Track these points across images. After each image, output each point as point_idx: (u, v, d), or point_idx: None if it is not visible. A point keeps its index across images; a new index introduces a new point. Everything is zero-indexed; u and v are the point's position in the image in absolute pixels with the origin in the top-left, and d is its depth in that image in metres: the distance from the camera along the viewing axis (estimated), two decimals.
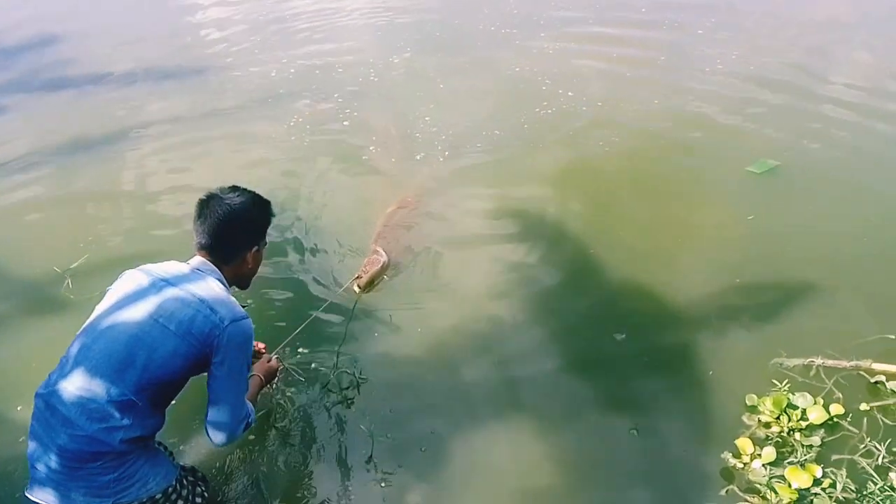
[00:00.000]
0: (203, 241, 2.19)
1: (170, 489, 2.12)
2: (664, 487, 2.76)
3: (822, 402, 2.97)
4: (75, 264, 4.02)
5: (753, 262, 3.91)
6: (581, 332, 3.52)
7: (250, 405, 2.28)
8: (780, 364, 3.20)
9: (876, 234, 4.07)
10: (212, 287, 2.13)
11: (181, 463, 2.44)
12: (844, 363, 3.16)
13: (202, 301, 2.05)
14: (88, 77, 6.86)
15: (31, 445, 2.03)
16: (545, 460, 2.88)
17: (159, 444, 2.32)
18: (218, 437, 2.14)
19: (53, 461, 1.96)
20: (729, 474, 2.76)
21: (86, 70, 7.04)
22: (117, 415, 1.95)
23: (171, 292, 2.07)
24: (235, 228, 2.18)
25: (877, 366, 3.12)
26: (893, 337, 3.29)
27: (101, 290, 3.70)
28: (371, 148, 5.26)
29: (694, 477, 2.78)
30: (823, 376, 3.13)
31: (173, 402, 2.18)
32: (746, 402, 3.01)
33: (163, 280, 2.12)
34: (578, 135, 5.35)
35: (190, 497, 2.23)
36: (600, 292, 3.76)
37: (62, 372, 2.04)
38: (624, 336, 3.41)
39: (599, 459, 2.89)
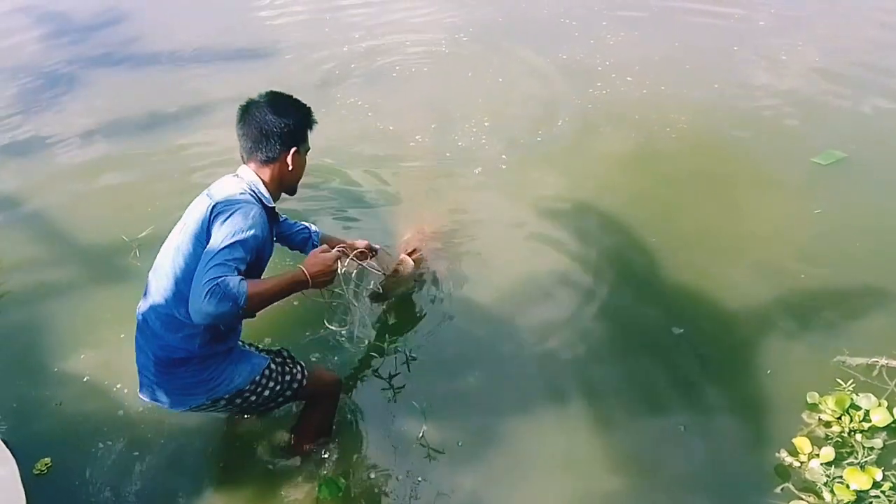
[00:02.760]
0: (243, 144, 2.31)
1: (257, 378, 2.38)
2: (716, 484, 2.74)
3: (885, 403, 2.91)
4: (143, 234, 4.14)
5: (819, 256, 3.82)
6: (637, 325, 3.48)
7: (233, 279, 1.96)
8: (843, 362, 3.14)
9: None
10: (231, 186, 2.25)
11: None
12: None
13: (209, 196, 2.23)
14: (158, 54, 6.95)
15: (138, 355, 2.35)
16: (595, 454, 2.88)
17: (249, 344, 2.58)
18: (190, 305, 1.98)
19: (151, 368, 2.28)
20: (785, 472, 2.73)
21: (155, 48, 7.13)
22: (189, 323, 2.11)
23: (201, 200, 2.26)
24: (272, 128, 2.24)
25: None
26: None
27: None
28: (417, 137, 5.20)
29: (748, 474, 2.76)
30: (886, 377, 3.06)
31: None
32: (808, 399, 2.96)
33: (207, 193, 2.28)
34: (643, 119, 5.25)
35: (280, 377, 2.47)
36: (659, 284, 3.70)
37: (146, 291, 2.32)
38: (682, 330, 3.37)
39: (651, 454, 2.88)
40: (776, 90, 5.58)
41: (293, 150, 2.29)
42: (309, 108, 2.37)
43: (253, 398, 2.42)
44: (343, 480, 2.77)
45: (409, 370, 3.27)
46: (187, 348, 2.23)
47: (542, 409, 3.09)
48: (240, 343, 2.49)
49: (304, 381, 2.57)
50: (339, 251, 2.38)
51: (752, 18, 6.95)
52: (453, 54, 6.58)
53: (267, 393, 2.46)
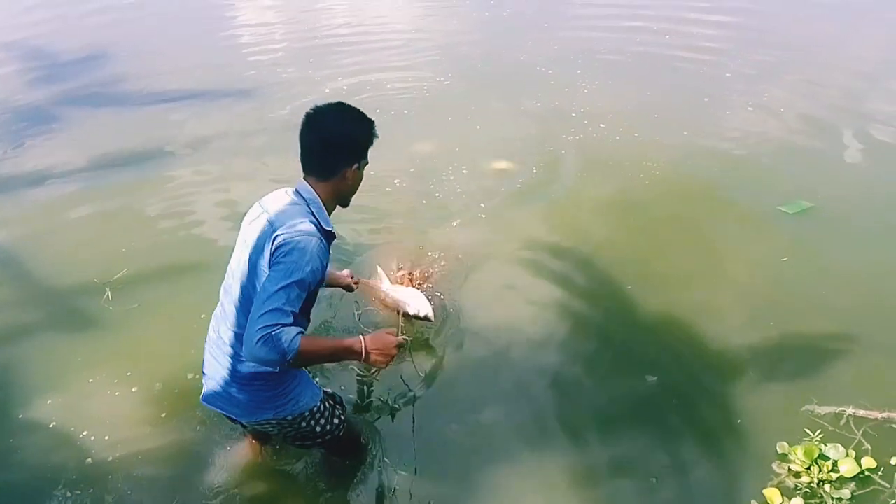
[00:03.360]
0: (304, 154, 2.25)
1: (315, 409, 2.42)
2: None
3: (854, 454, 2.96)
4: (116, 276, 4.11)
5: (787, 305, 3.90)
6: (613, 372, 3.51)
7: (288, 333, 1.95)
8: (811, 412, 3.19)
9: None
10: (291, 211, 2.18)
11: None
12: (876, 414, 3.15)
13: (270, 221, 2.16)
14: (134, 93, 7.00)
15: (207, 364, 2.40)
16: (560, 498, 2.89)
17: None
18: (244, 343, 1.99)
19: (228, 379, 2.30)
20: None
21: (132, 86, 7.18)
22: None
23: (258, 220, 2.21)
24: (333, 145, 2.19)
25: None
26: None
27: (139, 302, 3.93)
28: (396, 181, 5.25)
29: None
30: (853, 427, 3.11)
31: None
32: (778, 449, 3.00)
33: (263, 209, 2.24)
34: (616, 166, 5.37)
35: (329, 417, 2.52)
36: (635, 332, 3.76)
37: (221, 309, 2.35)
38: (655, 378, 3.41)
39: (617, 501, 2.90)
40: (744, 138, 5.78)
41: (354, 166, 2.24)
42: (372, 121, 2.28)
43: (305, 426, 2.45)
44: None
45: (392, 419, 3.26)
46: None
47: (515, 462, 3.06)
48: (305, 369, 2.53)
49: (341, 433, 2.63)
50: (402, 341, 2.34)
51: (723, 66, 7.22)
52: (434, 98, 6.72)
53: (318, 429, 2.49)
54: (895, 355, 3.54)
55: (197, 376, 3.27)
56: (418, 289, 3.76)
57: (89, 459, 3.07)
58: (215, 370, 2.35)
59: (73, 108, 6.77)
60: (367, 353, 2.18)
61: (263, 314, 1.94)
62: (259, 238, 2.15)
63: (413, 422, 3.20)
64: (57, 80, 7.50)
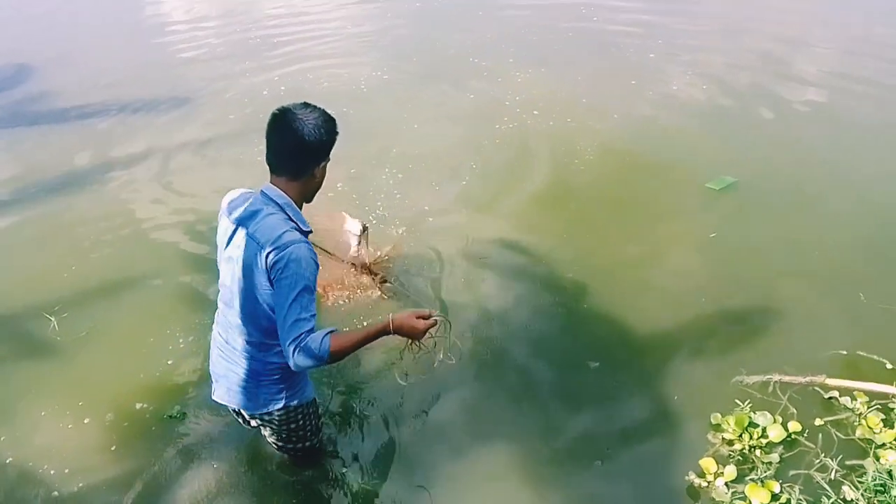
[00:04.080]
0: (274, 155, 2.27)
1: (314, 400, 2.70)
2: None
3: (780, 419, 3.19)
4: (59, 305, 4.07)
5: (717, 280, 4.14)
6: (556, 361, 3.67)
7: (315, 339, 2.14)
8: (741, 382, 3.42)
9: (832, 251, 4.33)
10: (270, 222, 2.23)
11: None
12: (800, 379, 3.39)
13: (252, 238, 2.23)
14: (61, 107, 6.81)
15: (217, 366, 2.54)
16: (513, 492, 3.03)
17: None
18: (287, 358, 2.18)
19: (242, 378, 2.46)
20: (695, 493, 2.95)
21: (58, 100, 6.99)
22: (273, 342, 2.33)
23: (239, 236, 2.28)
24: (305, 146, 2.21)
25: (830, 381, 3.35)
26: (845, 352, 3.54)
27: (86, 329, 3.91)
28: (339, 185, 5.25)
29: (660, 499, 2.98)
30: (779, 393, 3.35)
31: None
32: (712, 420, 3.22)
33: (237, 222, 2.30)
34: (551, 154, 5.52)
35: (316, 421, 2.81)
36: (577, 319, 3.93)
37: (221, 316, 2.49)
38: (598, 364, 3.59)
39: (570, 490, 3.04)
40: (671, 118, 6.02)
41: (323, 163, 2.30)
42: (334, 119, 2.31)
43: (302, 422, 2.68)
44: None
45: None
46: (276, 362, 2.43)
47: (460, 452, 3.21)
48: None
49: (318, 445, 2.95)
50: (436, 320, 2.43)
51: (648, 47, 7.43)
52: (371, 93, 6.74)
53: (304, 432, 2.74)
54: (814, 322, 3.81)
55: (145, 405, 3.44)
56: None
57: (55, 493, 3.09)
58: (229, 371, 2.51)
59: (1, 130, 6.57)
60: (395, 331, 2.34)
61: (287, 329, 2.14)
62: (247, 256, 2.24)
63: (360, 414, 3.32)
64: None
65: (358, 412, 3.42)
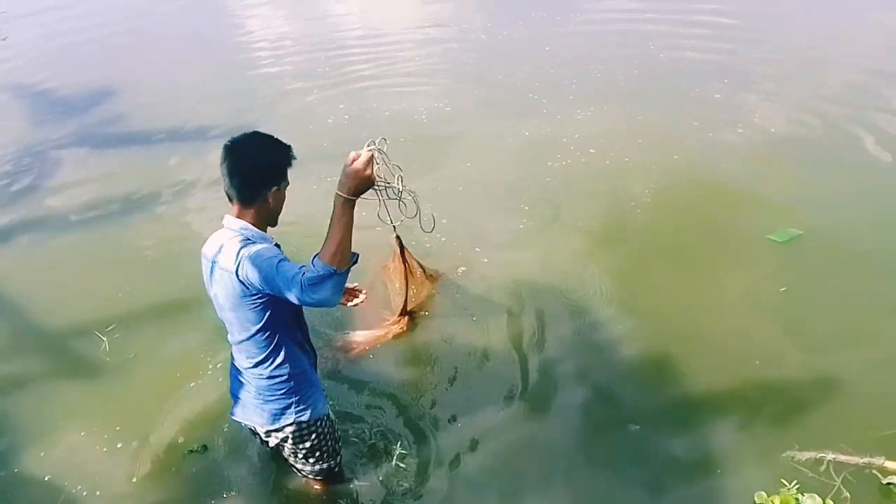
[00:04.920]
0: (226, 183, 2.38)
1: (326, 418, 2.75)
2: None
3: (831, 503, 2.99)
4: (111, 326, 4.24)
5: (774, 341, 3.92)
6: (595, 420, 3.54)
7: (308, 271, 2.16)
8: (792, 457, 3.21)
9: None
10: (228, 247, 2.34)
11: None
12: (856, 459, 3.16)
13: (224, 270, 2.35)
14: (136, 132, 7.08)
15: (233, 386, 2.70)
16: None
17: None
18: (304, 299, 2.20)
19: (251, 396, 2.61)
20: None
21: (138, 126, 7.24)
22: (272, 356, 2.50)
23: (214, 271, 2.41)
24: (253, 172, 2.34)
25: (889, 464, 3.11)
26: None
27: (135, 351, 4.03)
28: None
29: None
30: (833, 472, 3.13)
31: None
32: (756, 499, 3.03)
33: (210, 260, 2.43)
34: (606, 194, 5.39)
35: (332, 441, 2.85)
36: (621, 374, 3.79)
37: (231, 346, 2.60)
38: (638, 427, 3.44)
39: None
40: (733, 163, 5.75)
41: (274, 188, 2.37)
42: (288, 146, 2.42)
43: (315, 440, 2.74)
44: None
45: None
46: (280, 370, 2.54)
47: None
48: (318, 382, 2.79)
49: (337, 469, 2.99)
50: (368, 152, 2.29)
51: (714, 87, 7.17)
52: (427, 125, 6.77)
53: (324, 448, 2.80)
54: (879, 396, 3.54)
55: (182, 438, 3.52)
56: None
57: None
58: (241, 390, 2.66)
59: (79, 147, 6.89)
60: (349, 195, 2.20)
61: (290, 285, 2.16)
62: (226, 288, 2.36)
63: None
64: (62, 119, 7.59)
65: (386, 447, 3.43)
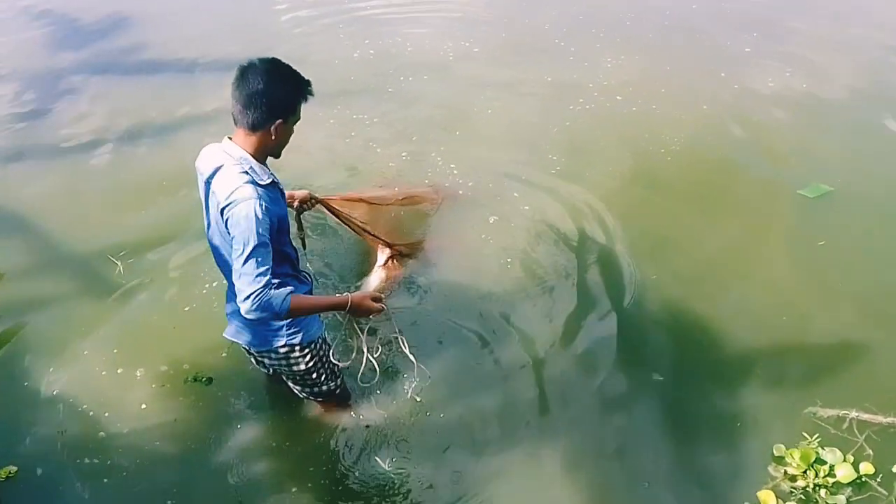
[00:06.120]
0: (234, 106, 2.31)
1: (320, 341, 2.70)
2: None
3: (851, 459, 2.94)
4: (123, 252, 4.19)
5: (802, 297, 3.84)
6: (620, 368, 3.46)
7: (277, 297, 2.25)
8: (814, 414, 3.16)
9: None
10: (226, 176, 2.28)
11: None
12: (880, 418, 3.11)
13: (214, 193, 2.31)
14: (158, 61, 6.88)
15: (228, 307, 2.64)
16: (561, 499, 2.92)
17: None
18: (241, 308, 2.27)
19: (243, 318, 2.38)
20: None
21: (160, 54, 7.04)
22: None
23: (210, 197, 2.35)
24: (263, 95, 2.24)
25: None
26: None
27: (150, 276, 3.98)
28: (403, 154, 5.18)
29: None
30: (856, 430, 3.08)
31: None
32: (774, 452, 2.99)
33: (203, 176, 2.37)
34: (635, 140, 5.23)
35: (327, 364, 2.80)
36: (650, 323, 3.70)
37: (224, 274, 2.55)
38: (662, 378, 3.38)
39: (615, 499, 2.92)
40: (763, 115, 5.57)
41: (279, 120, 2.29)
42: (306, 80, 2.35)
43: (311, 363, 2.69)
44: None
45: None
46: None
47: (505, 451, 3.11)
48: None
49: (338, 391, 2.95)
50: (383, 307, 2.63)
51: (745, 41, 6.87)
52: (451, 66, 6.53)
53: (321, 369, 2.75)
54: None
55: (187, 365, 3.49)
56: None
57: (102, 433, 3.20)
58: (234, 311, 2.57)
59: (96, 75, 6.69)
60: (351, 310, 2.55)
61: (245, 283, 2.21)
62: (213, 211, 2.34)
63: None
64: (79, 46, 7.36)
65: (402, 379, 3.39)
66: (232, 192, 2.22)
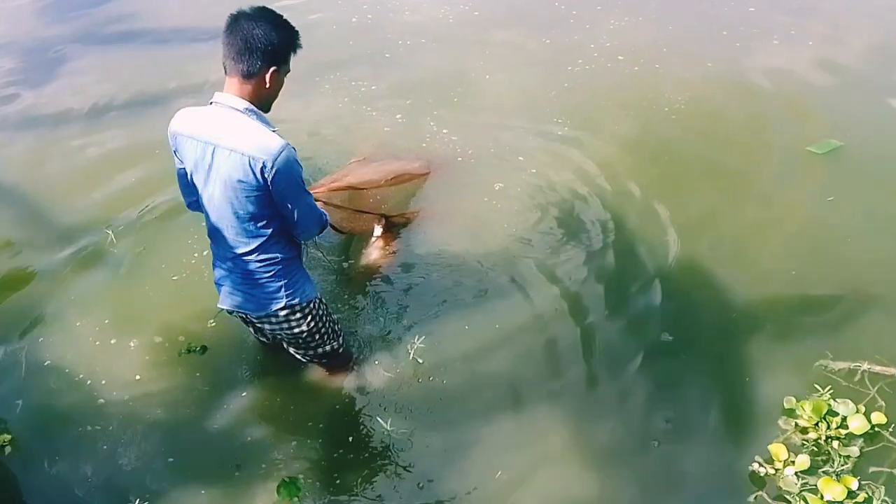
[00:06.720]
0: (226, 53, 2.27)
1: (317, 301, 2.68)
2: (688, 495, 2.73)
3: (864, 410, 2.86)
4: (116, 219, 4.14)
5: (813, 252, 3.75)
6: (626, 329, 3.39)
7: (326, 216, 2.60)
8: (825, 367, 3.08)
9: None
10: (247, 131, 2.24)
11: None
12: (893, 370, 3.03)
13: (238, 154, 2.22)
14: (155, 32, 6.73)
15: (219, 276, 2.60)
16: (566, 463, 2.85)
17: None
18: (303, 234, 2.56)
19: (240, 282, 2.54)
20: (759, 481, 2.69)
21: (152, 24, 6.89)
22: (262, 240, 2.43)
23: (219, 157, 2.26)
24: (256, 42, 2.21)
25: None
26: None
27: (143, 245, 3.90)
28: (398, 116, 5.09)
29: (722, 483, 2.73)
30: (868, 383, 3.00)
31: None
32: (784, 404, 2.92)
33: (210, 141, 2.27)
34: (639, 101, 5.10)
35: (327, 320, 2.78)
36: (660, 281, 3.60)
37: (210, 231, 2.51)
38: (671, 338, 3.30)
39: (622, 467, 2.85)
40: (768, 74, 5.41)
41: (273, 69, 2.27)
42: (297, 31, 2.34)
43: (312, 323, 2.66)
44: (302, 480, 2.79)
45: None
46: (272, 255, 2.48)
47: (516, 412, 3.04)
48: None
49: (341, 350, 2.92)
50: None
51: (745, 1, 6.71)
52: (447, 30, 6.35)
53: (322, 329, 2.74)
54: None
55: (181, 337, 3.42)
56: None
57: (101, 399, 3.15)
58: (228, 278, 2.56)
59: (92, 46, 6.56)
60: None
61: (313, 224, 2.49)
62: (233, 173, 2.24)
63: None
64: (72, 18, 7.17)
65: (404, 340, 3.34)
66: (268, 144, 2.20)
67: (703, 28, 6.22)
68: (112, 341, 3.42)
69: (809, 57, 5.64)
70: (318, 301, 2.68)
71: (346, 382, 3.15)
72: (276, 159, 2.19)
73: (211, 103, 2.30)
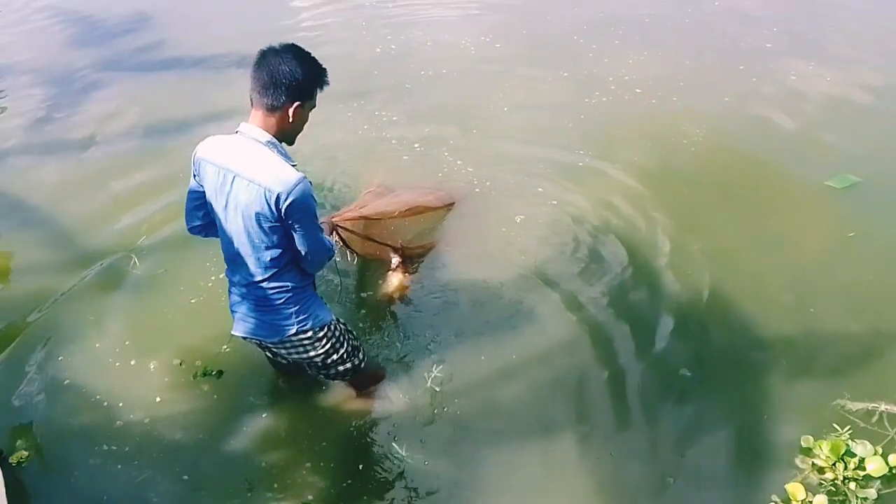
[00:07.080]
0: (253, 86, 2.33)
1: (332, 324, 2.69)
2: None
3: (881, 451, 2.83)
4: (140, 241, 4.22)
5: (831, 289, 3.74)
6: (647, 363, 3.37)
7: (333, 248, 2.62)
8: (842, 406, 3.05)
9: None
10: (266, 162, 2.29)
11: None
12: None
13: (255, 185, 2.27)
14: (182, 60, 6.88)
15: (234, 303, 2.65)
16: (578, 491, 2.85)
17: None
18: (312, 267, 2.56)
19: (253, 309, 2.58)
20: None
21: (180, 52, 7.05)
22: (274, 269, 2.47)
23: (238, 186, 2.32)
24: (282, 77, 2.27)
25: None
26: None
27: (165, 267, 3.96)
28: (416, 146, 5.15)
29: None
30: (887, 424, 2.97)
31: None
32: (802, 443, 2.90)
33: (230, 170, 2.33)
34: (657, 133, 5.14)
35: (344, 342, 2.78)
36: (676, 318, 3.60)
37: (227, 257, 2.56)
38: (690, 374, 3.28)
39: (639, 497, 2.83)
40: (787, 107, 5.45)
41: (297, 103, 2.32)
42: (324, 68, 2.41)
43: (328, 345, 2.69)
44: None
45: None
46: (283, 283, 2.51)
47: (531, 444, 3.03)
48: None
49: (363, 364, 2.91)
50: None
51: (765, 36, 6.76)
52: (468, 64, 6.47)
53: (336, 356, 2.74)
54: None
55: (198, 361, 3.46)
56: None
57: (119, 422, 3.17)
58: (242, 304, 2.61)
59: (121, 73, 6.73)
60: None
61: (321, 254, 2.48)
62: (251, 204, 2.29)
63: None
64: (100, 46, 7.37)
65: (422, 368, 3.35)
66: (285, 176, 2.25)
67: (721, 63, 6.29)
68: (132, 362, 3.46)
69: (826, 92, 5.68)
70: (333, 324, 2.70)
71: (362, 407, 3.16)
72: (291, 191, 2.23)
73: (236, 132, 2.37)
